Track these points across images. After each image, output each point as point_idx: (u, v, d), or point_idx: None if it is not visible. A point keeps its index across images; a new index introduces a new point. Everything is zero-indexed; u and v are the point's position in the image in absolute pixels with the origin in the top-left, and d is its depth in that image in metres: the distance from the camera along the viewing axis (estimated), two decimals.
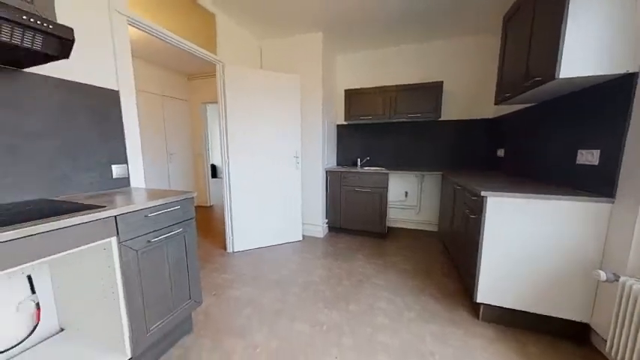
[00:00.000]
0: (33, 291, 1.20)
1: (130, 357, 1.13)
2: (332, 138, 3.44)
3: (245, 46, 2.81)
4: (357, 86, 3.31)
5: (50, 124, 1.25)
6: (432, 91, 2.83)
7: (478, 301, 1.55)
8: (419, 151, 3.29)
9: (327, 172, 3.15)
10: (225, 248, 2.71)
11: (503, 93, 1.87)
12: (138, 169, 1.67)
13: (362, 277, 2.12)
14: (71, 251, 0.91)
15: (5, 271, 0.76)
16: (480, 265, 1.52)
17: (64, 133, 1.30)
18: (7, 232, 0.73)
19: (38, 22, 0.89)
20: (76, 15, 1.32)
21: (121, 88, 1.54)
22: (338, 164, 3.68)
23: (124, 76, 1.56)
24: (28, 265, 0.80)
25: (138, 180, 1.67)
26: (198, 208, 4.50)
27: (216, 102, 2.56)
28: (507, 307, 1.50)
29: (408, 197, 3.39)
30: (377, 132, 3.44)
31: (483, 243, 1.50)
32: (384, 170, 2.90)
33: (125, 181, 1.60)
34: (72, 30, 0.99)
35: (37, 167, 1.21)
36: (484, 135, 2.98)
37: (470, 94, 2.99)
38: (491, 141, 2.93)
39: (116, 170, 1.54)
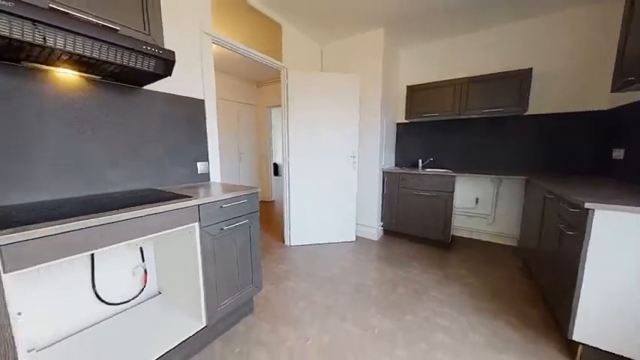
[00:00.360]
0: (143, 259, 1.54)
1: (205, 325, 1.33)
2: (390, 137, 3.29)
3: (307, 50, 2.95)
4: (423, 81, 3.08)
5: (158, 129, 1.57)
6: (517, 80, 2.39)
7: (575, 339, 1.25)
8: (495, 152, 2.84)
9: (384, 172, 3.03)
10: (283, 241, 2.91)
11: (625, 77, 1.44)
12: (216, 166, 1.95)
13: (419, 286, 1.97)
14: (170, 231, 1.13)
15: (128, 242, 1.00)
16: (579, 294, 1.22)
17: (166, 136, 1.62)
18: (131, 212, 0.97)
19: (154, 49, 1.14)
20: (174, 38, 1.63)
21: (205, 98, 1.83)
22: (396, 165, 3.50)
23: (208, 87, 1.84)
24: (141, 238, 1.04)
25: (215, 175, 1.95)
26: (261, 202, 4.96)
27: (280, 105, 2.76)
28: (622, 355, 1.16)
29: (480, 204, 2.97)
30: (442, 130, 3.12)
31: (585, 267, 1.19)
32: (449, 172, 2.61)
33: (206, 176, 1.88)
34: (174, 52, 1.22)
35: (149, 163, 1.54)
36: (591, 131, 2.36)
37: (570, 82, 2.41)
38: (602, 139, 2.30)
39: (200, 167, 1.83)
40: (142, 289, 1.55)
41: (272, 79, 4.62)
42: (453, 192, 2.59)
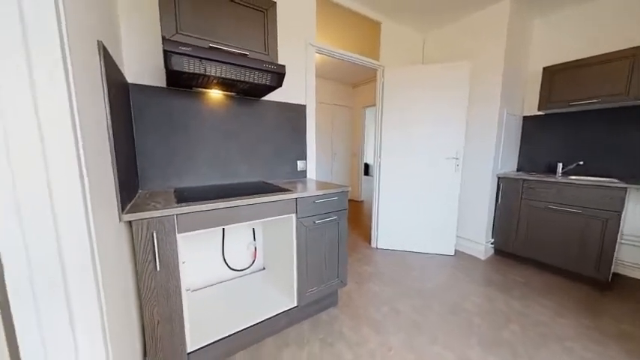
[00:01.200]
0: (254, 239, 1.90)
1: (295, 305, 1.50)
2: (511, 135, 2.63)
3: (406, 43, 2.77)
4: (569, 58, 2.29)
5: (270, 132, 1.88)
6: None
7: None
8: None
9: (499, 178, 2.47)
10: (369, 242, 2.88)
11: None
12: (312, 164, 2.14)
13: (547, 330, 1.50)
14: (274, 218, 1.34)
15: (247, 223, 1.25)
16: None
17: (275, 138, 1.91)
18: (252, 199, 1.21)
19: (271, 66, 1.36)
20: (284, 52, 1.88)
21: (307, 103, 2.04)
22: (519, 169, 2.77)
23: (309, 93, 2.04)
24: (256, 221, 1.28)
25: (311, 173, 2.14)
26: (350, 201, 5.08)
27: (375, 105, 2.73)
28: None
29: None
30: (604, 122, 2.22)
31: None
32: (616, 183, 1.83)
33: (304, 174, 2.10)
34: (284, 66, 1.42)
35: (261, 161, 1.87)
36: None
37: None
38: None
39: (300, 165, 2.06)
40: (252, 262, 1.91)
41: (368, 79, 4.62)
42: (620, 212, 1.80)
